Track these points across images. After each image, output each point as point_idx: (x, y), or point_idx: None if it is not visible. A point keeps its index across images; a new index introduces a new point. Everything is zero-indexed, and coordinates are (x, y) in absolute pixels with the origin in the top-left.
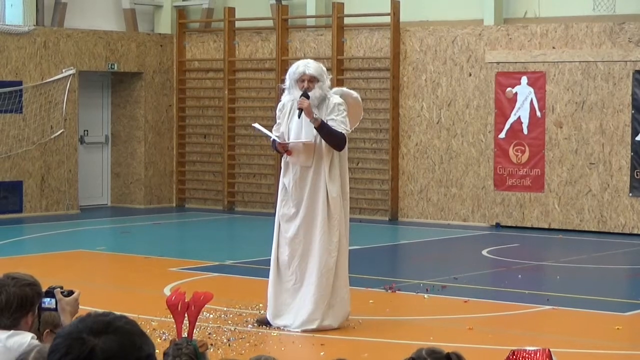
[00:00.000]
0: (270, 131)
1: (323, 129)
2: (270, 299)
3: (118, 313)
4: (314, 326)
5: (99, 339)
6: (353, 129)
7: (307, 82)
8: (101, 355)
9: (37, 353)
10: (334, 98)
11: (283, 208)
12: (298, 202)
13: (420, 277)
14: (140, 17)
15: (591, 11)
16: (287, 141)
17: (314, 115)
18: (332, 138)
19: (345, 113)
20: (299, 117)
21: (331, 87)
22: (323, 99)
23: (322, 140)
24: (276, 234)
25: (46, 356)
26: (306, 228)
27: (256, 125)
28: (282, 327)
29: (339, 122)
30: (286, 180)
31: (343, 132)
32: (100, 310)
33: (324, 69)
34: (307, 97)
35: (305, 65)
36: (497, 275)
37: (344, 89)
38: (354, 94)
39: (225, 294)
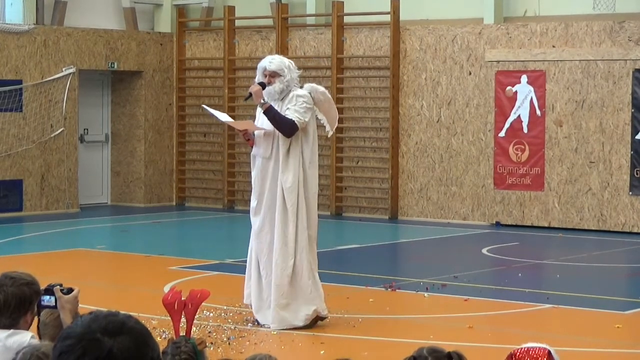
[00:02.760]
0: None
1: (269, 113)
2: (253, 294)
3: (124, 312)
4: (276, 324)
5: (114, 340)
6: (334, 129)
7: (269, 77)
8: (120, 356)
9: (28, 349)
10: (297, 91)
11: (251, 202)
12: (260, 194)
13: (420, 276)
14: (140, 16)
15: (591, 10)
16: (232, 122)
17: (261, 100)
18: (278, 123)
19: (305, 105)
20: (245, 99)
21: (300, 82)
22: (287, 93)
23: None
24: (252, 230)
25: (37, 352)
26: (270, 220)
27: (205, 106)
28: (261, 324)
29: (293, 111)
30: (253, 173)
31: (294, 119)
32: (105, 310)
33: (288, 63)
34: (263, 87)
35: (268, 62)
36: (497, 274)
37: (313, 85)
38: (321, 88)
39: (225, 292)
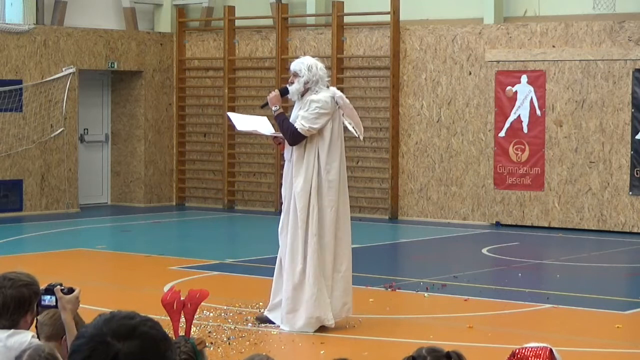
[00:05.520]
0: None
1: (277, 120)
2: (272, 292)
3: (143, 315)
4: (286, 326)
5: (123, 344)
6: (361, 134)
7: (292, 77)
8: None
9: (33, 351)
10: (314, 95)
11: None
12: (284, 196)
13: (420, 276)
14: (140, 16)
15: (591, 10)
16: (275, 133)
17: (273, 108)
18: (283, 131)
19: (317, 111)
20: (261, 107)
21: (328, 84)
22: (305, 94)
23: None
24: None
25: (41, 354)
26: (286, 223)
27: (230, 114)
28: (273, 322)
29: (301, 117)
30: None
31: (298, 127)
32: (124, 311)
33: (308, 64)
34: (286, 91)
35: (293, 62)
36: (497, 274)
37: (334, 88)
38: (338, 93)
39: (225, 292)
